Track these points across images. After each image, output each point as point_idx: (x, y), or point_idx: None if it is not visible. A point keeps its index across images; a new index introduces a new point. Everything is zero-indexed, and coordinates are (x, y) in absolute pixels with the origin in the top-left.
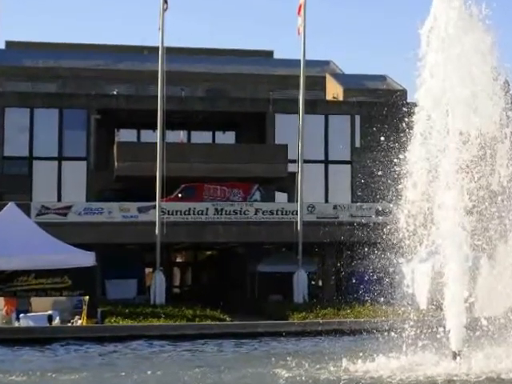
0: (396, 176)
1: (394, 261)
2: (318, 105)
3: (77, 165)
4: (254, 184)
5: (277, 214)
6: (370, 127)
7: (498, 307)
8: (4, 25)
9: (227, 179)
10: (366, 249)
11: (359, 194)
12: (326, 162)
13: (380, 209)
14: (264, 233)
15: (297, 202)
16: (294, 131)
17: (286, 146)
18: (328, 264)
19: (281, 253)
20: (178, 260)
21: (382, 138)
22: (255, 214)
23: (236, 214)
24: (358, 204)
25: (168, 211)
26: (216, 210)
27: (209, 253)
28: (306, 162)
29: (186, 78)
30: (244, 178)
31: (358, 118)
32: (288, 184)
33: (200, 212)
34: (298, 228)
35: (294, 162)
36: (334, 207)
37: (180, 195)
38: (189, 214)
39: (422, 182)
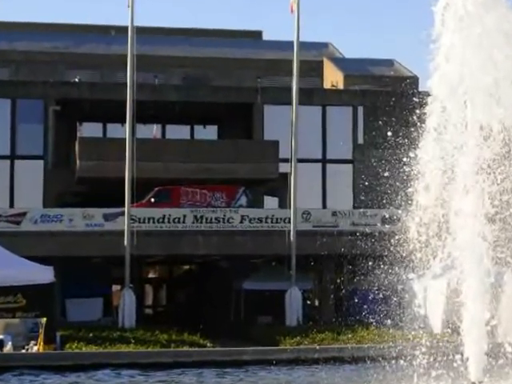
0: (405, 178)
1: (404, 277)
2: (314, 94)
3: (32, 164)
4: (239, 187)
5: (266, 221)
6: (375, 120)
7: None
8: None
9: (208, 181)
10: (371, 263)
11: (362, 198)
12: (324, 161)
13: (387, 216)
14: (251, 244)
15: (289, 207)
16: (287, 125)
17: (277, 142)
18: (326, 280)
19: (271, 267)
20: (151, 276)
21: (389, 133)
22: (241, 221)
23: (218, 221)
24: (361, 210)
25: (139, 219)
26: (195, 217)
27: (187, 267)
28: (300, 161)
29: (160, 63)
30: (228, 179)
31: (360, 110)
32: (279, 187)
33: (176, 220)
34: (291, 238)
35: (286, 161)
36: (333, 214)
37: (153, 200)
38: (163, 222)
39: (436, 185)
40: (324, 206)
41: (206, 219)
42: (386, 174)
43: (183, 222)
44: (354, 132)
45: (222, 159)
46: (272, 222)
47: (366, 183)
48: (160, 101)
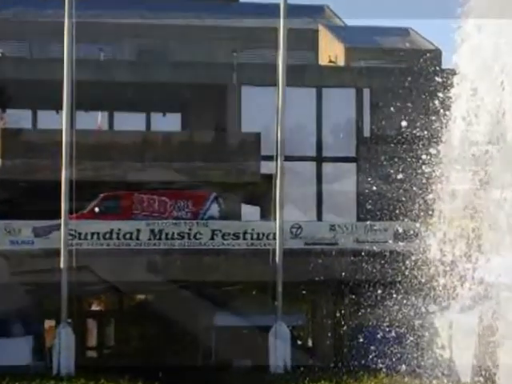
0: (425, 181)
1: (423, 309)
2: (306, 72)
3: None
4: (209, 193)
5: (244, 238)
6: (386, 106)
7: None
8: None
9: (169, 185)
10: (380, 291)
11: (369, 207)
12: (319, 159)
13: (400, 231)
14: (224, 267)
15: (275, 219)
16: (271, 112)
17: (259, 134)
18: (322, 314)
19: (250, 297)
20: (95, 308)
21: (404, 123)
22: (211, 238)
23: (182, 237)
24: (368, 223)
25: (79, 234)
26: (152, 232)
27: (141, 297)
28: (288, 158)
29: (106, 33)
30: (195, 183)
31: (367, 93)
32: (261, 192)
33: (128, 235)
34: (277, 259)
35: (270, 158)
36: (332, 228)
37: (97, 210)
38: (111, 239)
39: (465, 191)
40: (319, 218)
41: (167, 235)
42: (400, 176)
43: (137, 239)
44: (357, 122)
45: (187, 157)
46: (252, 239)
47: (374, 188)
48: (106, 81)
